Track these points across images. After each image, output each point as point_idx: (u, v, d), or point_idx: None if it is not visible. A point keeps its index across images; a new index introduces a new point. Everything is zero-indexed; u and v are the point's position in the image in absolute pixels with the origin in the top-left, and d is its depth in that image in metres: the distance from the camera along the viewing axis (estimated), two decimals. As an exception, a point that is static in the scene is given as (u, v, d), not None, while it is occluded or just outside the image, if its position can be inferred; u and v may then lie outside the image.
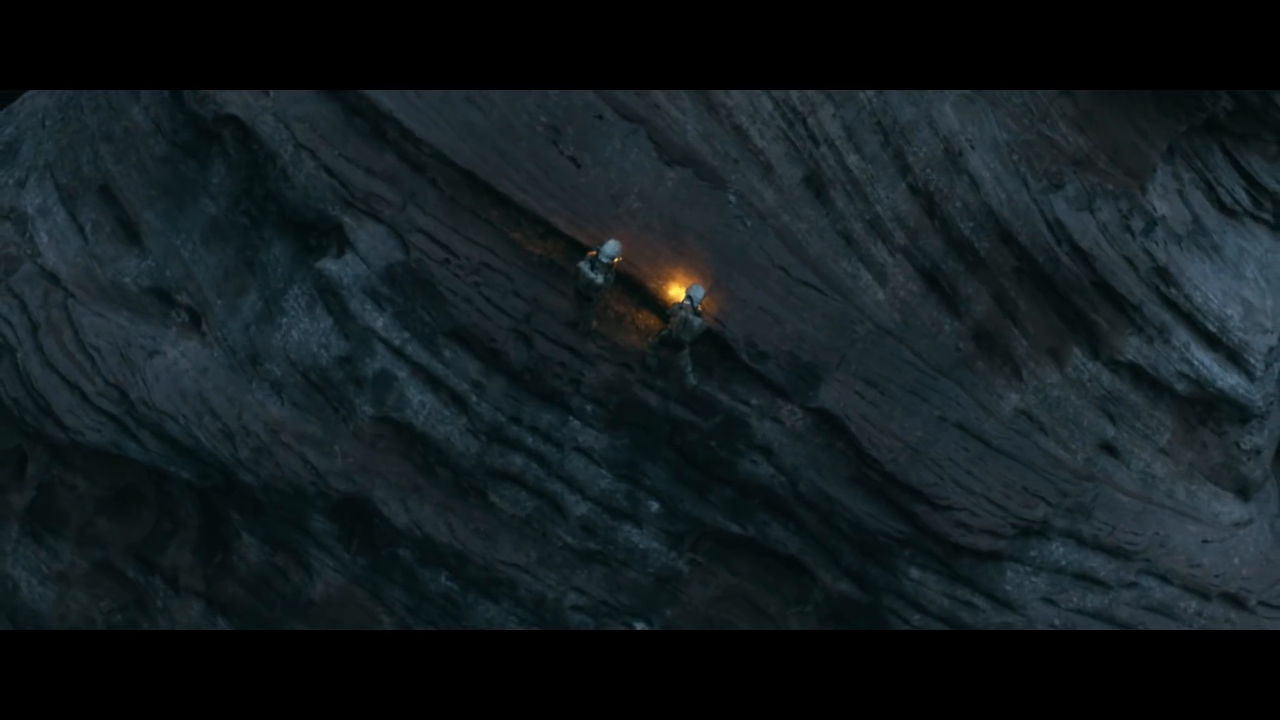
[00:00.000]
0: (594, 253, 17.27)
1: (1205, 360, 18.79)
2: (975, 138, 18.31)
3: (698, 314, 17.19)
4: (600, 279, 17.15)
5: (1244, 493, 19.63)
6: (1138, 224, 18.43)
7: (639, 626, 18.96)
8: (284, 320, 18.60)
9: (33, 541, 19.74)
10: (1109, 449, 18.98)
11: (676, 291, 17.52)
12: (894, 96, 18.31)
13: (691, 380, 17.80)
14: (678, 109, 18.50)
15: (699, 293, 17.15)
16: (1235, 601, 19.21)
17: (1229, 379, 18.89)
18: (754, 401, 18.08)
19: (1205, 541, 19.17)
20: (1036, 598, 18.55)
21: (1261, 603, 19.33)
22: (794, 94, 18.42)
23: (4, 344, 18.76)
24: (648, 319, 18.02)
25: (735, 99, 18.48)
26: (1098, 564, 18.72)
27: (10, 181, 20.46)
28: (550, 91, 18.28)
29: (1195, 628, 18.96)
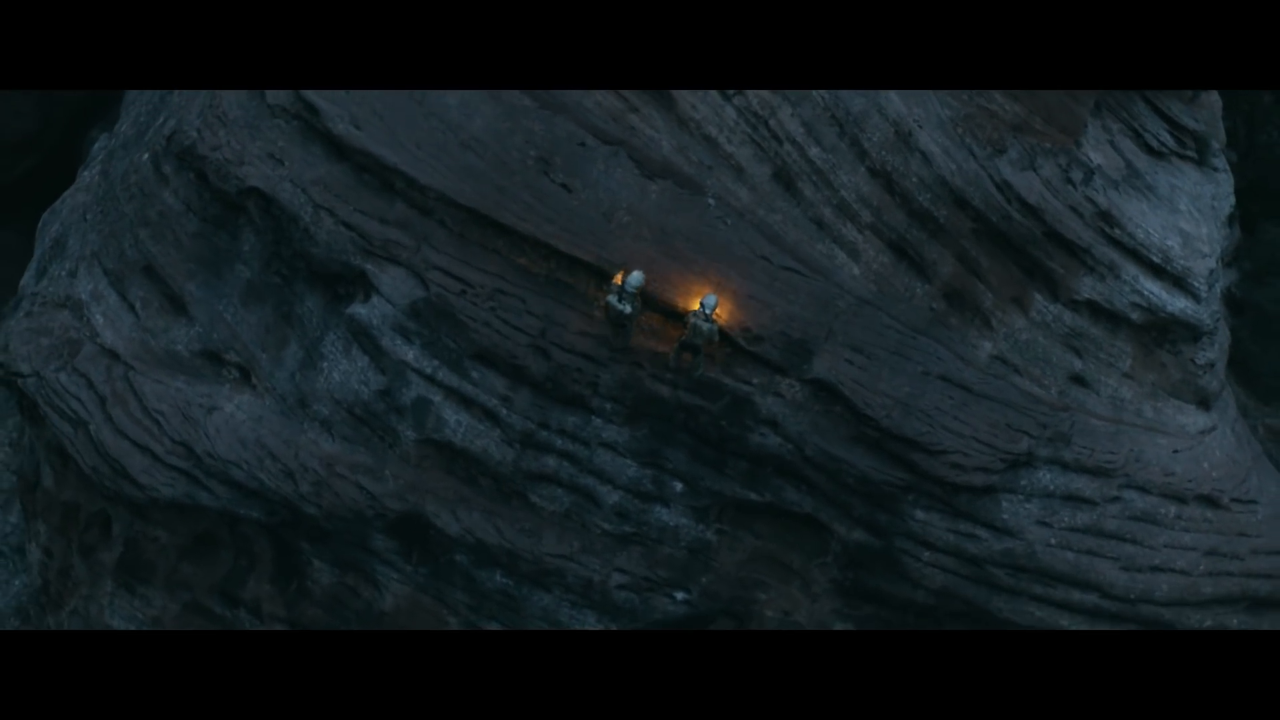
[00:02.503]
0: (620, 277, 17.59)
1: (1154, 289, 19.00)
2: (921, 118, 18.61)
3: (709, 320, 17.53)
4: (628, 308, 17.52)
5: (1204, 403, 19.78)
6: (1077, 175, 18.72)
7: (680, 597, 19.20)
8: (324, 364, 18.88)
9: (126, 592, 19.95)
10: (1079, 380, 19.20)
11: (696, 302, 17.85)
12: (844, 91, 18.61)
13: (699, 372, 18.16)
14: (651, 128, 18.82)
15: (712, 301, 17.53)
16: (1209, 501, 19.38)
17: (1177, 303, 19.10)
18: (755, 381, 18.38)
19: (1176, 451, 19.36)
20: (1031, 522, 18.77)
21: (1234, 500, 19.42)
22: (754, 99, 18.71)
23: (77, 419, 19.04)
24: (649, 319, 18.28)
25: (701, 112, 18.80)
26: (1082, 484, 18.93)
27: (63, 273, 20.66)
28: (535, 127, 18.60)
29: (1176, 530, 19.05)
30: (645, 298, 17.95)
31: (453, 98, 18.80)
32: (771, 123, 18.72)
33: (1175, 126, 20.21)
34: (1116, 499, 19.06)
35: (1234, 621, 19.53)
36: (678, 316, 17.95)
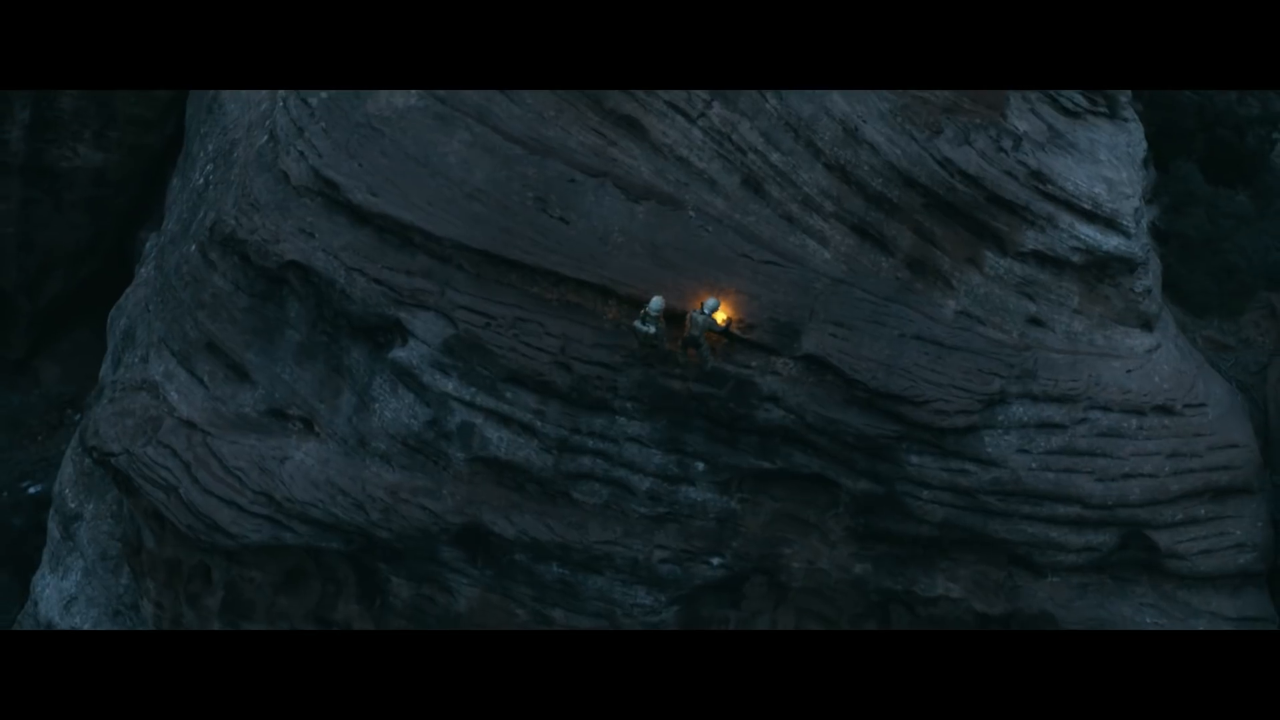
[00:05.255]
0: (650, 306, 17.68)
1: (1089, 232, 19.01)
2: (864, 113, 18.74)
3: (703, 314, 17.70)
4: (654, 329, 17.62)
5: (1147, 325, 19.77)
6: (1007, 143, 18.80)
7: (716, 562, 19.24)
8: (376, 405, 18.99)
9: (233, 630, 20.02)
10: (1036, 321, 19.22)
11: (697, 303, 17.95)
12: (793, 100, 18.78)
13: (709, 365, 18.25)
14: (630, 157, 19.01)
15: (713, 303, 17.72)
16: (1165, 410, 19.37)
17: (1111, 241, 19.09)
18: (754, 364, 18.47)
19: (1129, 371, 19.35)
20: (1013, 451, 18.78)
21: (1185, 405, 19.40)
22: (715, 118, 18.89)
23: (167, 485, 19.13)
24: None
25: (672, 136, 18.97)
26: (1052, 412, 18.95)
27: (136, 360, 20.78)
28: (529, 171, 18.76)
29: (1140, 439, 19.03)
30: (669, 316, 18.02)
31: (453, 157, 18.98)
32: (734, 136, 18.86)
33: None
34: (1084, 420, 19.07)
35: (1201, 511, 19.57)
36: (679, 318, 18.04)
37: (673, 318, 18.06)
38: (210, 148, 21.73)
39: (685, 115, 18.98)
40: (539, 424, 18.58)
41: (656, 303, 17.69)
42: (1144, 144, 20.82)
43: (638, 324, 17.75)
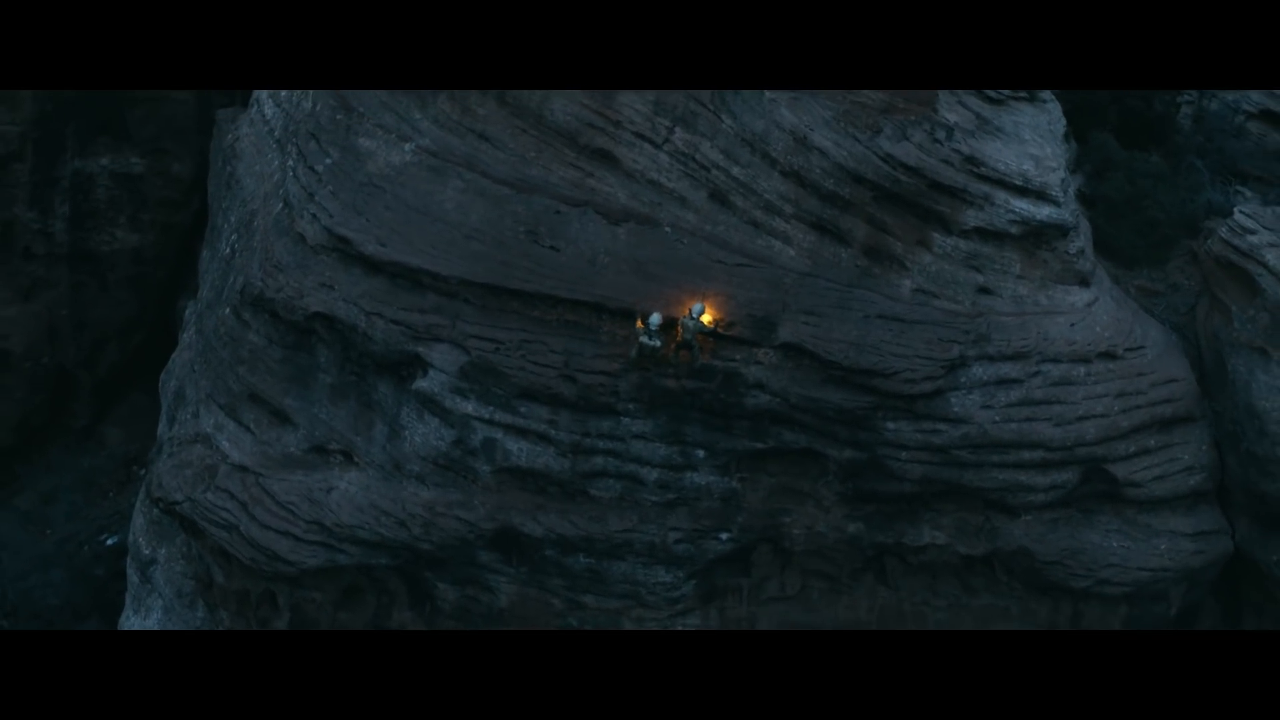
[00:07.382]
0: (641, 324, 17.83)
1: (1023, 206, 18.99)
2: (811, 122, 18.78)
3: (693, 319, 17.85)
4: (658, 342, 17.74)
5: (1084, 282, 19.75)
6: (941, 135, 18.81)
7: (724, 537, 19.28)
8: (406, 432, 19.04)
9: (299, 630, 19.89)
10: (985, 290, 19.21)
11: (685, 309, 18.05)
12: (745, 116, 18.81)
13: (698, 363, 18.33)
14: (607, 185, 19.06)
15: (699, 308, 17.85)
16: (1108, 355, 19.38)
17: (1043, 211, 19.06)
18: (738, 357, 18.51)
19: (1072, 324, 19.36)
20: (977, 408, 18.81)
21: (1126, 349, 19.40)
22: (679, 142, 18.95)
23: (229, 524, 19.18)
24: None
25: (641, 163, 19.03)
26: (1008, 369, 18.96)
27: (188, 416, 20.82)
28: (518, 209, 18.82)
29: (1089, 384, 19.04)
30: (665, 326, 18.10)
31: (449, 203, 19.04)
32: (697, 156, 18.93)
33: (1005, 78, 20.26)
34: (1037, 373, 19.08)
35: (1151, 442, 19.63)
36: (670, 324, 18.13)
37: (666, 325, 18.12)
38: (233, 219, 21.81)
39: (651, 142, 19.05)
40: (553, 432, 18.63)
41: (656, 317, 17.80)
42: (1062, 120, 20.85)
43: (644, 339, 17.81)
